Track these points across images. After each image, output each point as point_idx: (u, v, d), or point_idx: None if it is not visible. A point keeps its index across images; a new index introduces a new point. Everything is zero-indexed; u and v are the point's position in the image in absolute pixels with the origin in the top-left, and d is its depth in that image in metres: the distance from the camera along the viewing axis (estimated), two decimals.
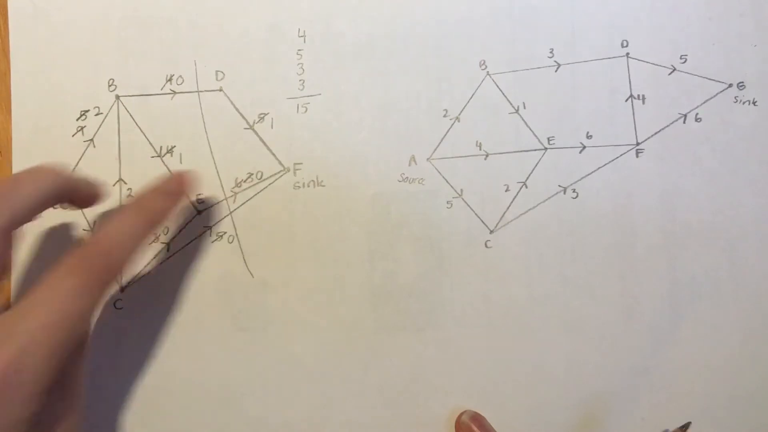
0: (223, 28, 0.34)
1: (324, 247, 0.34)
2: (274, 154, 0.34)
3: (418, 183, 0.34)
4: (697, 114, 0.34)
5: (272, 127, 0.34)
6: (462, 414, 0.33)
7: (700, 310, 0.34)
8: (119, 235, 0.27)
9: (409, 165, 0.34)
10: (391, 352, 0.34)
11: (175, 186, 0.31)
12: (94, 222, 0.34)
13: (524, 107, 0.34)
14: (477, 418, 0.33)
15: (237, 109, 0.34)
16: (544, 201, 0.34)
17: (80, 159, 0.34)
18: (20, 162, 0.34)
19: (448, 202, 0.34)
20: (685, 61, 0.34)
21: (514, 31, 0.34)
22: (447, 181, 0.34)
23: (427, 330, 0.34)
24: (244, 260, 0.34)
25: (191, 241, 0.34)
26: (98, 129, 0.34)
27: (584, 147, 0.34)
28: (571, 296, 0.34)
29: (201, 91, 0.34)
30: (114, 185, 0.34)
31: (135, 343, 0.34)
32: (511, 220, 0.34)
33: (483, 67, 0.34)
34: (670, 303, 0.34)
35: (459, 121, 0.34)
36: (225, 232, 0.34)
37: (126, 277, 0.34)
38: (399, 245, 0.34)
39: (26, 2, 0.34)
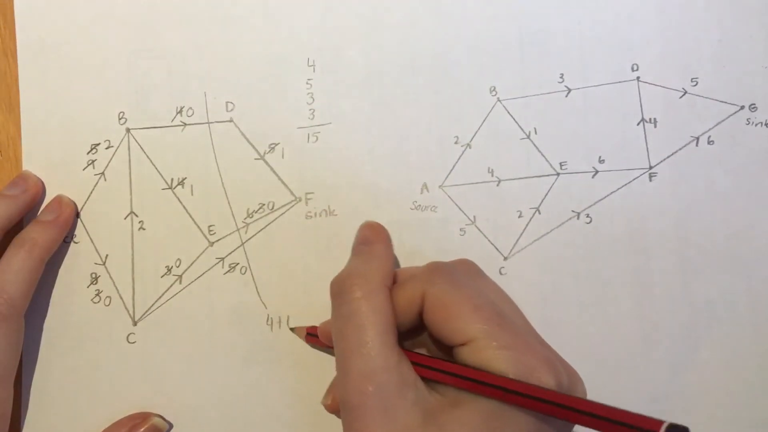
0: (232, 59, 0.34)
1: None
2: (285, 184, 0.34)
3: (431, 211, 0.34)
4: (709, 137, 0.34)
5: (283, 157, 0.34)
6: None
7: (717, 334, 0.33)
8: (9, 274, 0.30)
9: (421, 193, 0.34)
10: None
11: (56, 212, 0.33)
12: None
13: (535, 132, 0.34)
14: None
15: (247, 140, 0.34)
16: (557, 226, 0.34)
17: (91, 192, 0.34)
18: None
19: (461, 230, 0.34)
20: (696, 84, 0.34)
21: (523, 56, 0.34)
22: (459, 208, 0.34)
23: None
24: (257, 291, 0.34)
25: (204, 273, 0.34)
26: (109, 162, 0.34)
27: (597, 171, 0.34)
28: (586, 322, 0.34)
29: (211, 122, 0.34)
30: (125, 218, 0.34)
31: (147, 377, 0.33)
32: (525, 247, 0.34)
33: (493, 93, 0.34)
34: (687, 327, 0.34)
35: (470, 148, 0.34)
36: (237, 264, 0.34)
37: (139, 310, 0.34)
38: None
39: (35, 37, 0.34)
